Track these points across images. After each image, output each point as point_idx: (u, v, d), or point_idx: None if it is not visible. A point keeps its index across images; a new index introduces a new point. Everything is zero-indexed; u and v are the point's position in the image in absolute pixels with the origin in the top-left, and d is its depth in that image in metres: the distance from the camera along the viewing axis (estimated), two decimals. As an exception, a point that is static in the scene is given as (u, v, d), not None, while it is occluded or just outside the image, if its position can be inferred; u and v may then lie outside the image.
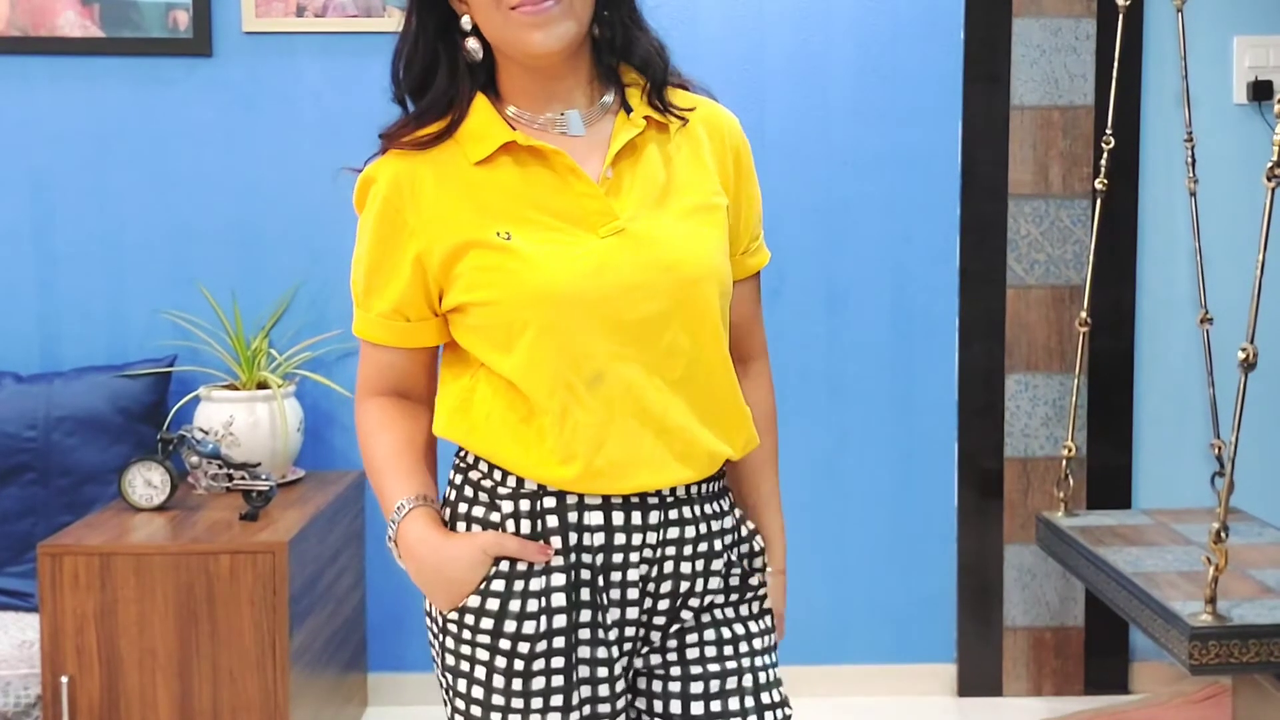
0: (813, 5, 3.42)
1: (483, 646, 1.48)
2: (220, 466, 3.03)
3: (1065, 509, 3.24)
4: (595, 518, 1.48)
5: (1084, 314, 3.27)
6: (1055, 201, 3.44)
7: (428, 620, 1.58)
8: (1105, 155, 3.24)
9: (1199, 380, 3.39)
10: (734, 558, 1.59)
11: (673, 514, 1.51)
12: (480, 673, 1.49)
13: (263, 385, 3.19)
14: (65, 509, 3.11)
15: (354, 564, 3.34)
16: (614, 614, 1.50)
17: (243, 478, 2.97)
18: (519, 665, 1.47)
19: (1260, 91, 3.41)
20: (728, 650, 1.56)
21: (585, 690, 1.49)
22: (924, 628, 3.55)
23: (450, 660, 1.52)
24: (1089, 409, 3.47)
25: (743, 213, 1.61)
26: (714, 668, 1.55)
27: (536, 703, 1.48)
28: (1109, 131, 3.24)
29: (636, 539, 1.49)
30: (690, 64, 3.53)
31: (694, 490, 1.53)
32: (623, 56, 1.57)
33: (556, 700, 1.47)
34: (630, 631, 1.52)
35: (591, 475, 1.47)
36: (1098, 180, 3.25)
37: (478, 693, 1.50)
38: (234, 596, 2.74)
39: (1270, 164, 2.42)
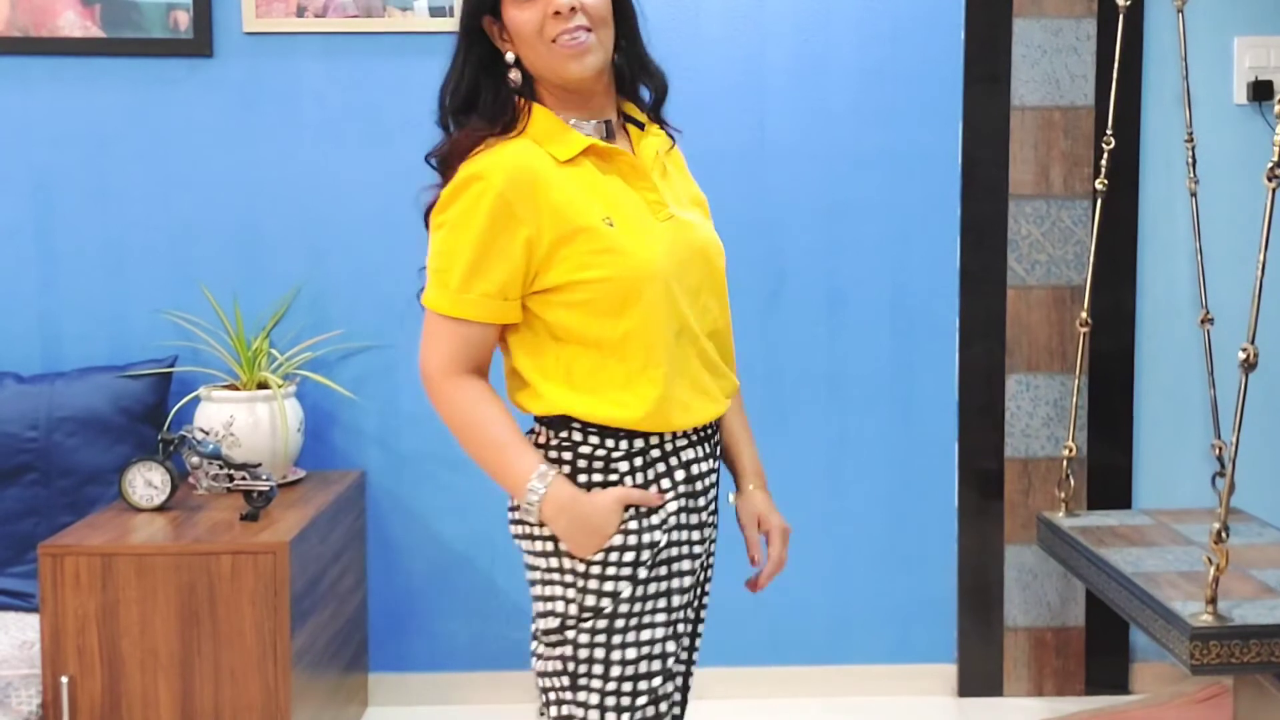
0: (813, 6, 3.42)
1: (625, 579, 1.81)
2: (221, 467, 3.03)
3: (1066, 509, 3.24)
4: (687, 455, 1.86)
5: (1084, 314, 3.27)
6: (1056, 202, 3.44)
7: (555, 579, 1.85)
8: (1105, 155, 3.24)
9: (1199, 380, 3.40)
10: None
11: (715, 443, 1.93)
12: (625, 591, 1.81)
13: (263, 385, 3.19)
14: (67, 509, 3.11)
15: (355, 564, 3.34)
16: (696, 534, 1.88)
17: (243, 478, 2.97)
18: (640, 586, 1.81)
19: (1260, 91, 3.41)
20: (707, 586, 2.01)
21: (677, 599, 1.86)
22: (924, 628, 3.55)
23: (590, 600, 1.82)
24: (1089, 409, 3.47)
25: None
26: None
27: (653, 596, 1.83)
28: (1109, 132, 3.24)
29: (706, 466, 1.90)
30: (692, 65, 3.53)
31: (716, 422, 1.94)
32: (637, 79, 1.93)
33: (661, 604, 1.83)
34: (700, 549, 1.90)
35: (683, 409, 1.83)
36: (1098, 180, 3.25)
37: (622, 608, 1.82)
38: (235, 597, 2.74)
39: (1270, 164, 2.42)
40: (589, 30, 1.80)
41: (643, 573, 1.81)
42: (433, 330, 1.84)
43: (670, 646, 1.84)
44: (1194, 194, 3.28)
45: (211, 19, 3.34)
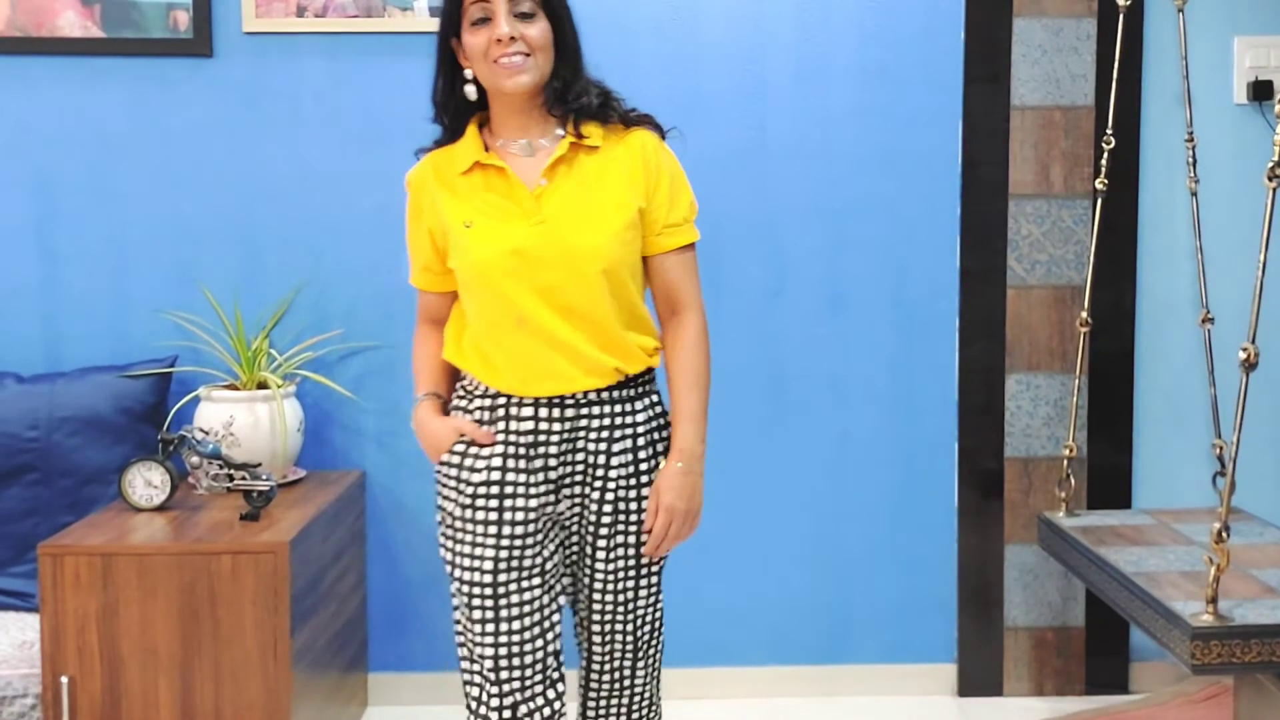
0: (813, 6, 3.42)
1: (449, 487, 2.25)
2: (221, 467, 3.03)
3: (1066, 509, 3.24)
4: (527, 413, 2.22)
5: (1084, 314, 3.27)
6: (1056, 201, 3.44)
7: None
8: (1106, 155, 3.24)
9: (1199, 380, 3.40)
10: (644, 442, 2.27)
11: (583, 410, 2.23)
12: (450, 505, 2.26)
13: (263, 385, 3.19)
14: (68, 509, 3.11)
15: (355, 564, 3.34)
16: (539, 476, 2.22)
17: (243, 478, 2.97)
18: (467, 500, 2.23)
19: (1260, 91, 3.41)
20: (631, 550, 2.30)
21: (516, 514, 2.22)
22: (924, 628, 3.55)
23: (438, 500, 2.29)
24: (1089, 409, 3.47)
25: (652, 207, 2.26)
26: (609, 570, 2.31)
27: (480, 521, 2.22)
28: (1109, 131, 3.24)
29: (556, 426, 2.22)
30: (692, 66, 3.53)
31: (603, 394, 2.24)
32: (563, 96, 2.22)
33: (493, 520, 2.21)
34: (553, 485, 2.24)
35: (521, 383, 2.22)
36: (1098, 180, 3.25)
37: (450, 517, 2.25)
38: (235, 597, 2.74)
39: (1270, 164, 2.42)
40: (527, 55, 2.18)
41: (468, 493, 2.22)
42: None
43: (501, 570, 2.21)
44: (1194, 194, 3.28)
45: (211, 19, 3.34)
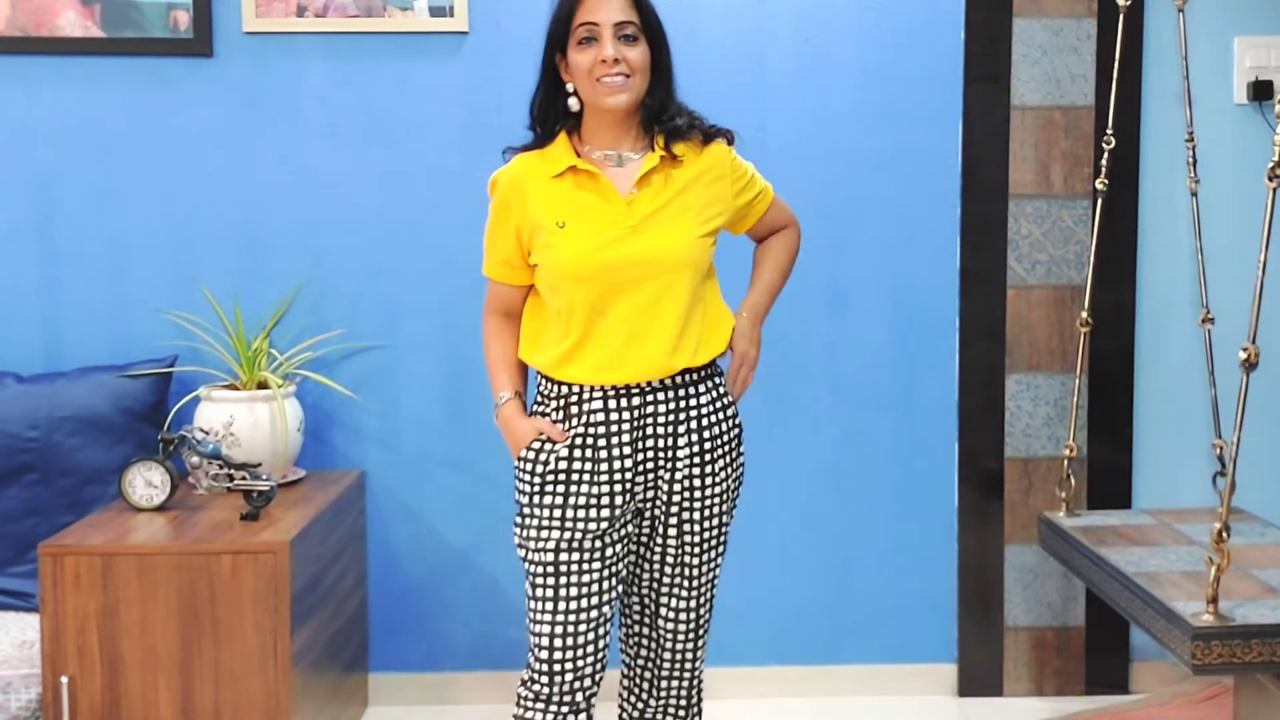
0: (814, 6, 3.42)
1: (524, 480, 2.42)
2: (221, 466, 3.03)
3: (1067, 509, 3.24)
4: (597, 404, 2.39)
5: (1085, 314, 3.27)
6: (1056, 201, 3.44)
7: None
8: (1106, 155, 3.24)
9: (1200, 380, 3.40)
10: (707, 423, 2.43)
11: (649, 398, 2.40)
12: (522, 498, 2.42)
13: (263, 385, 3.19)
14: (68, 509, 3.11)
15: (355, 564, 3.34)
16: (614, 464, 2.38)
17: (243, 478, 2.97)
18: (536, 487, 2.40)
19: (1260, 91, 3.41)
20: (695, 528, 2.47)
21: (580, 499, 2.38)
22: (924, 628, 3.55)
23: (515, 495, 2.45)
24: (1090, 409, 3.47)
25: (742, 199, 2.54)
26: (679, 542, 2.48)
27: (546, 505, 2.39)
28: (1110, 131, 3.24)
29: (625, 415, 2.39)
30: (692, 66, 3.54)
31: (665, 381, 2.41)
32: (659, 117, 2.42)
33: (558, 504, 2.38)
34: (629, 474, 2.39)
35: (598, 371, 2.38)
36: (1098, 180, 3.25)
37: (522, 506, 2.42)
38: (236, 596, 2.74)
39: (1271, 164, 2.42)
40: (627, 76, 2.35)
41: (537, 482, 2.39)
42: (488, 281, 2.54)
43: (563, 550, 2.37)
44: (1194, 194, 3.28)
45: (211, 19, 3.34)
